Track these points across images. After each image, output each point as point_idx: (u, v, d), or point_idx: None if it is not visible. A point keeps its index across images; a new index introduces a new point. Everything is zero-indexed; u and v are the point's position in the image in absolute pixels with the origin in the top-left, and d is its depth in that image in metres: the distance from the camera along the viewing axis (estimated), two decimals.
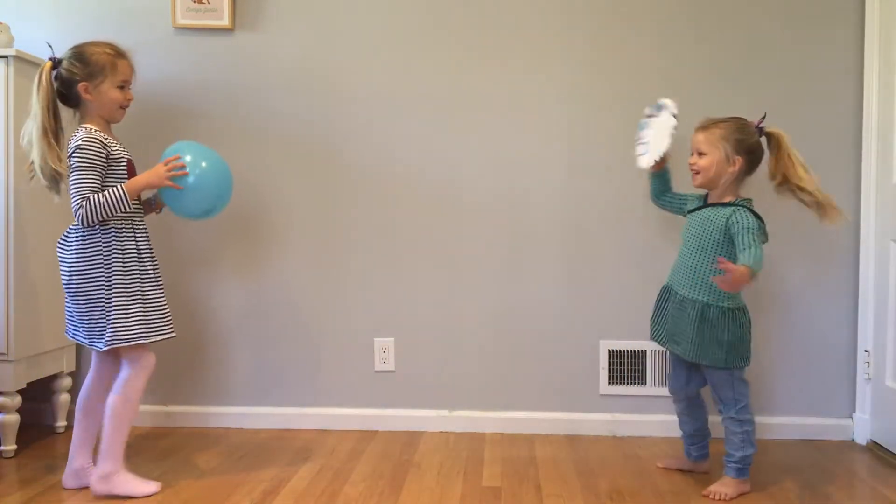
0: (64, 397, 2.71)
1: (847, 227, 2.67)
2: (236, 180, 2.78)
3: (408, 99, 2.76)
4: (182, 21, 2.75)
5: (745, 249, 2.05)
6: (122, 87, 2.15)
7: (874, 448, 2.58)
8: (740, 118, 2.20)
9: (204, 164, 2.14)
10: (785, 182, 2.15)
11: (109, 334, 2.06)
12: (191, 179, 2.11)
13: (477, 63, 2.74)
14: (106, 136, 2.11)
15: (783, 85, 2.68)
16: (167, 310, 2.16)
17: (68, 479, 2.19)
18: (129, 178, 2.12)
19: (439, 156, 2.77)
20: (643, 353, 2.72)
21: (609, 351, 2.74)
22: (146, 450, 2.54)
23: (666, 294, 2.26)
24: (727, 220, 2.12)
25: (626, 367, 2.73)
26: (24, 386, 2.47)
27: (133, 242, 2.12)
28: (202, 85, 2.79)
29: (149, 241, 2.17)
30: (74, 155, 2.05)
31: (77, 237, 2.09)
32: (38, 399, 2.70)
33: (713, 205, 2.19)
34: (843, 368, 2.70)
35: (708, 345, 2.12)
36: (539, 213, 2.75)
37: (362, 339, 2.80)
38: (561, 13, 2.73)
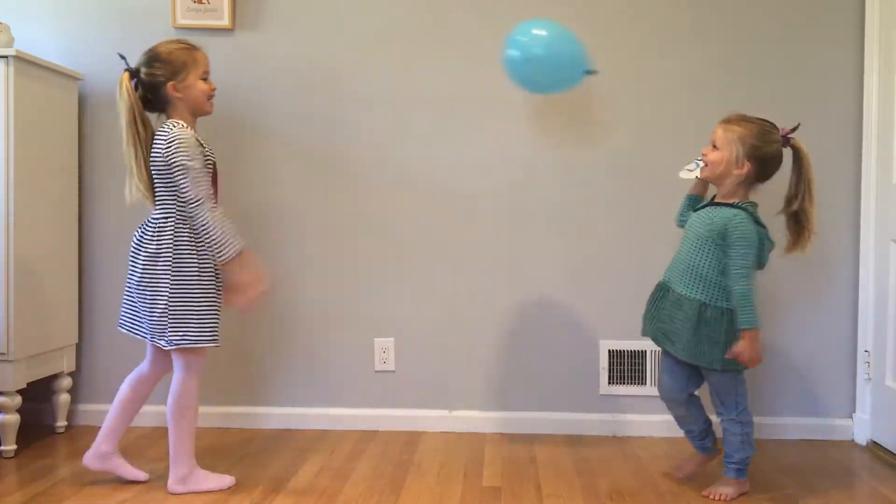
0: (64, 397, 2.70)
1: (847, 227, 2.67)
2: (236, 179, 2.79)
3: (408, 98, 2.76)
4: (182, 21, 2.75)
5: (735, 287, 2.03)
6: (205, 79, 2.15)
7: (874, 448, 2.58)
8: (766, 122, 2.13)
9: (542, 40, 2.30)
10: (798, 209, 2.12)
11: (181, 334, 2.07)
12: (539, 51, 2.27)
13: (477, 62, 2.74)
14: (196, 134, 2.12)
15: (783, 85, 2.68)
16: (218, 318, 2.16)
17: (92, 459, 2.19)
18: (212, 180, 2.13)
19: (439, 155, 2.77)
20: (643, 353, 2.72)
21: (609, 351, 2.74)
22: (146, 450, 2.54)
23: (662, 291, 2.22)
24: (726, 223, 2.07)
25: (626, 367, 2.73)
26: (24, 386, 2.47)
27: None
28: None
29: None
30: (179, 151, 2.03)
31: (166, 229, 2.08)
32: (38, 399, 2.70)
33: (717, 204, 2.15)
34: (843, 368, 2.70)
35: (704, 345, 2.08)
36: (539, 213, 2.75)
37: (362, 339, 2.80)
38: (561, 13, 2.72)
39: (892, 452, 2.50)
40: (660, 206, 2.65)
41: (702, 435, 2.25)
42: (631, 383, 2.74)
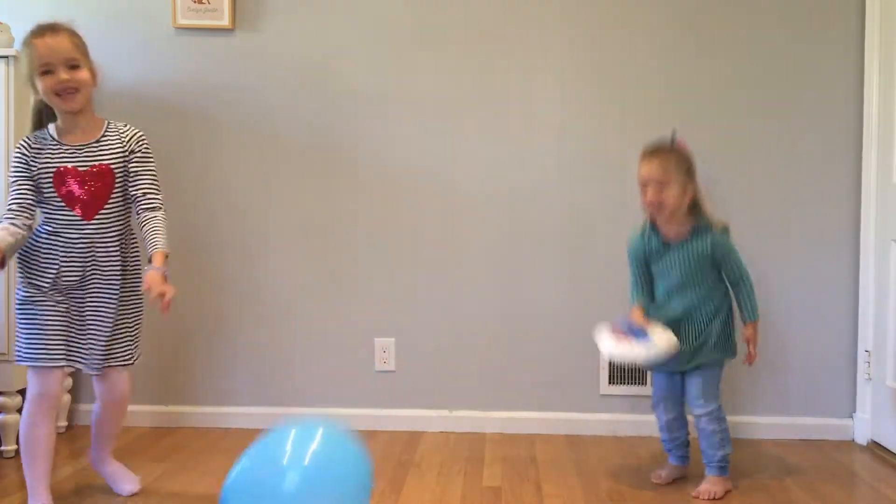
0: (64, 397, 2.70)
1: (847, 227, 2.67)
2: (237, 178, 2.79)
3: (408, 98, 2.76)
4: (182, 21, 2.75)
5: (738, 284, 2.20)
6: (48, 72, 1.85)
7: (874, 448, 2.58)
8: (667, 143, 2.19)
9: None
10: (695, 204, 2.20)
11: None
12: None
13: (477, 63, 2.74)
14: (37, 140, 1.92)
15: (783, 85, 2.67)
16: (51, 338, 1.91)
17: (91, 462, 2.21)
18: (56, 191, 1.89)
19: (439, 155, 2.77)
20: None
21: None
22: (146, 450, 2.54)
23: (679, 323, 2.20)
24: (711, 248, 2.16)
25: (626, 367, 2.73)
26: (25, 386, 2.47)
27: (54, 257, 1.91)
28: (202, 85, 2.79)
29: (88, 260, 1.93)
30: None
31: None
32: None
33: (689, 238, 2.17)
34: (843, 368, 2.69)
35: (723, 341, 2.21)
36: (539, 212, 2.75)
37: (362, 339, 2.80)
38: (561, 14, 2.72)
39: (892, 452, 2.50)
40: None
41: (685, 443, 2.31)
42: (631, 383, 2.74)
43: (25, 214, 1.88)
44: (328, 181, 2.79)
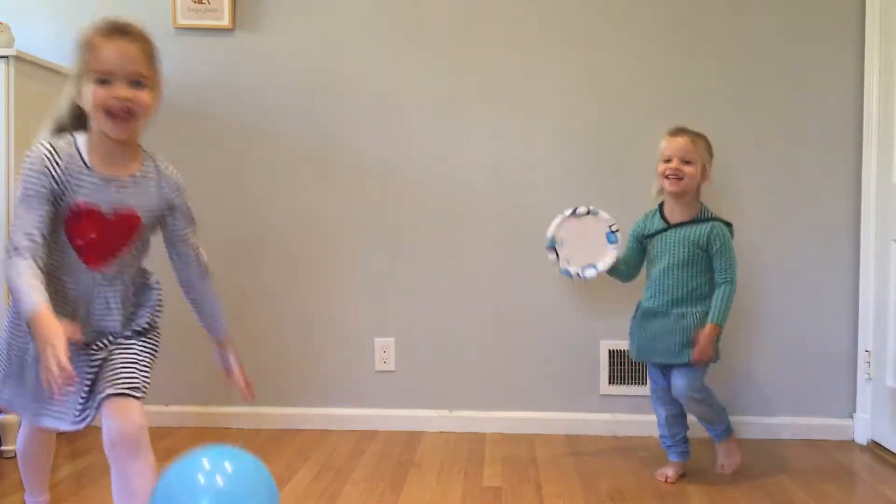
0: None
1: (847, 227, 2.67)
2: (237, 179, 2.79)
3: (408, 98, 2.76)
4: (182, 21, 2.76)
5: (722, 285, 2.22)
6: (103, 82, 1.46)
7: (874, 448, 2.58)
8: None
9: None
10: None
11: None
12: None
13: (477, 62, 2.74)
14: (66, 156, 1.49)
15: (783, 85, 2.67)
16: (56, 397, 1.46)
17: None
18: (65, 226, 1.51)
19: (440, 155, 2.77)
20: None
21: (609, 351, 2.74)
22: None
23: (653, 315, 2.29)
24: (708, 235, 2.23)
25: (626, 367, 2.73)
26: None
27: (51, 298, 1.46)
28: (202, 85, 2.79)
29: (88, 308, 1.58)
30: (21, 176, 1.50)
31: None
32: None
33: (689, 223, 2.26)
34: (843, 368, 2.70)
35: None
36: (539, 212, 2.74)
37: (362, 339, 2.80)
38: (560, 14, 2.73)
39: (892, 452, 2.50)
40: None
41: (684, 439, 2.33)
42: (631, 383, 2.74)
43: (42, 246, 1.47)
44: (328, 181, 2.79)
